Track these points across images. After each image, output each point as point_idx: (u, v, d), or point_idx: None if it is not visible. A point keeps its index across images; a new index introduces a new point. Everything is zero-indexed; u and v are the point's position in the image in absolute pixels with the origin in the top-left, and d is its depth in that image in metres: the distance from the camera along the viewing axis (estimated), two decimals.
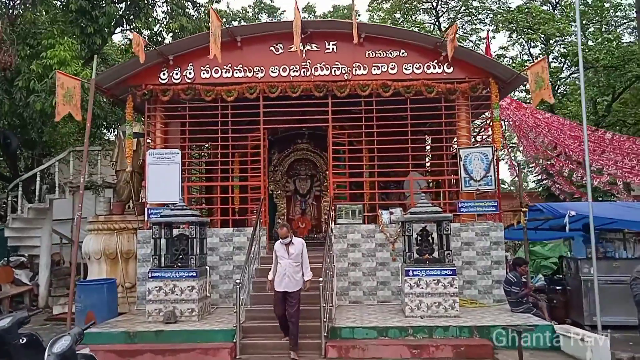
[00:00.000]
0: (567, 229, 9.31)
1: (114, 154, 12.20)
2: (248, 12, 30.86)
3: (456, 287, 8.50)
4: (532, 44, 21.39)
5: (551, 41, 21.53)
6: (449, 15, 23.73)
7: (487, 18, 22.90)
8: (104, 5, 12.67)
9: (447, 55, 10.03)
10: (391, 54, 10.38)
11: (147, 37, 14.64)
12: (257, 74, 10.47)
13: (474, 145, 10.68)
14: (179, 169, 10.44)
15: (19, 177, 13.17)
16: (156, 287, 8.74)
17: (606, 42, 18.78)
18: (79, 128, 16.82)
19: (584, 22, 21.95)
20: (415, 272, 8.53)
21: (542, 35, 19.61)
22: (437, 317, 8.32)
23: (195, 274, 8.73)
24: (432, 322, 8.07)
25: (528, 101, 15.21)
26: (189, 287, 8.71)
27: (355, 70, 10.40)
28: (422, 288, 8.49)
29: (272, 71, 10.46)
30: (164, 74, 10.56)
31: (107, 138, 20.84)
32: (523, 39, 21.02)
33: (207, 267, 9.29)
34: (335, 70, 10.42)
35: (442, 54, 10.17)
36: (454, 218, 9.42)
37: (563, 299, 10.59)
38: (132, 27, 14.17)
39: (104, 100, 13.33)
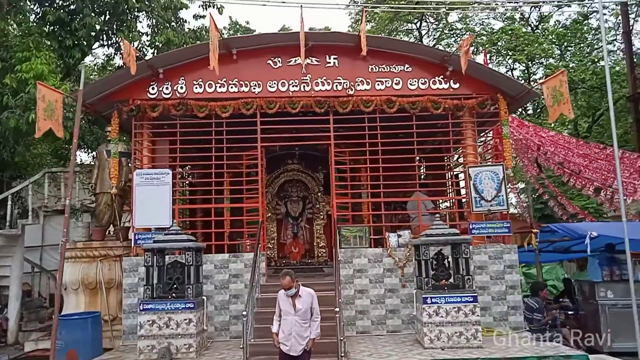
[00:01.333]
0: (589, 250, 8.86)
1: (93, 176, 11.29)
2: (223, 34, 30.30)
3: (478, 315, 7.90)
4: (514, 66, 21.47)
5: (530, 63, 21.69)
6: (431, 35, 23.71)
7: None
8: (83, 17, 11.86)
9: (454, 71, 9.69)
10: (395, 68, 9.91)
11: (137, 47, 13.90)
12: (254, 88, 9.84)
13: (481, 163, 10.23)
14: (170, 190, 9.63)
15: None
16: (149, 320, 7.86)
17: (589, 64, 18.93)
18: (54, 148, 15.88)
19: (564, 44, 22.25)
20: (434, 300, 7.90)
21: (527, 56, 19.65)
22: (459, 349, 7.68)
23: (192, 305, 7.90)
24: (456, 354, 7.42)
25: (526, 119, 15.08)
26: (185, 320, 7.86)
27: (358, 85, 9.87)
28: (442, 317, 7.86)
29: (270, 86, 9.84)
30: (152, 88, 9.82)
31: (79, 160, 19.88)
32: (506, 60, 21.05)
33: (203, 297, 8.47)
34: (337, 85, 9.87)
35: (449, 68, 9.77)
36: None
37: (576, 324, 10.11)
38: (112, 41, 13.37)
39: (82, 118, 12.45)
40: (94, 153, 14.84)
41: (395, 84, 9.87)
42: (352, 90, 9.82)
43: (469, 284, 8.00)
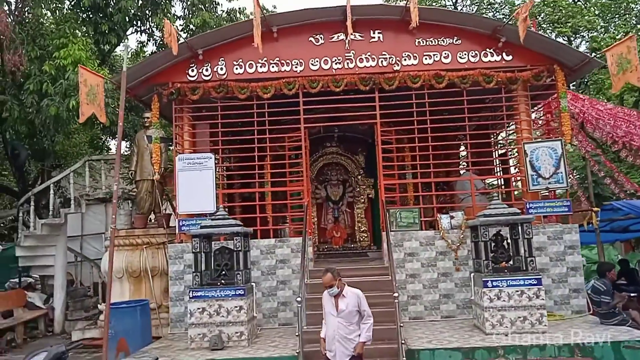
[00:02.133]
0: None
1: (132, 163, 11.14)
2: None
3: (543, 299, 7.45)
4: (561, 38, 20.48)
5: (574, 36, 20.71)
6: (468, 10, 22.83)
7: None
8: (118, 1, 11.64)
9: (507, 42, 9.15)
10: (444, 41, 9.40)
11: (163, 36, 13.65)
12: (296, 67, 9.47)
13: (537, 139, 9.68)
14: (213, 174, 9.39)
15: (31, 191, 12.07)
16: (199, 308, 7.65)
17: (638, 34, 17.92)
18: (90, 138, 15.88)
19: (608, 15, 21.19)
20: (495, 283, 7.48)
21: (571, 29, 18.74)
22: (524, 334, 7.23)
23: (242, 292, 7.66)
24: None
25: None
26: (236, 307, 7.63)
27: (405, 60, 9.41)
28: (504, 301, 7.43)
29: (312, 64, 9.46)
30: (192, 71, 9.55)
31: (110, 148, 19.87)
32: (548, 33, 20.11)
33: (252, 283, 8.23)
34: (382, 61, 9.42)
35: (501, 40, 9.22)
36: None
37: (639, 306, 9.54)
38: (146, 27, 13.15)
39: (118, 104, 12.31)
40: (130, 141, 14.81)
41: (444, 57, 9.37)
42: (398, 65, 9.37)
43: (532, 265, 7.54)
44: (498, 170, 11.40)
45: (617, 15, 21.04)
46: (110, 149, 20.44)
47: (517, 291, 7.44)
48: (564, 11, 18.87)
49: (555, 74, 9.19)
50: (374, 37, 9.48)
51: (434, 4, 22.31)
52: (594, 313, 8.43)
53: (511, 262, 7.83)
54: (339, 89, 9.39)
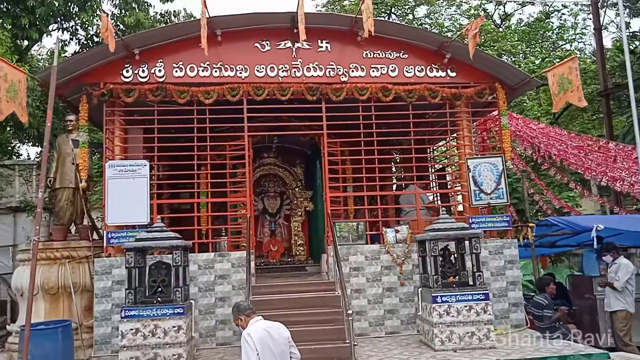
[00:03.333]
0: (595, 244, 8.62)
1: (52, 169, 10.15)
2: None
3: (490, 314, 7.47)
4: None
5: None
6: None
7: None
8: None
9: (451, 58, 9.27)
10: (391, 54, 9.37)
11: (91, 35, 12.73)
12: (240, 73, 9.05)
13: (479, 155, 9.86)
14: (147, 183, 8.72)
15: None
16: (132, 329, 6.96)
17: (556, 60, 19.14)
18: (0, 142, 14.41)
19: (527, 41, 22.50)
20: (444, 298, 7.41)
21: (496, 53, 19.67)
22: (473, 349, 7.22)
23: (182, 311, 7.06)
24: (471, 355, 6.96)
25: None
26: (174, 327, 7.01)
27: (352, 71, 9.27)
28: (453, 316, 7.38)
29: (257, 71, 9.07)
30: (127, 71, 8.86)
31: (26, 156, 18.26)
32: None
33: (191, 301, 7.65)
34: (329, 72, 9.22)
35: (446, 56, 9.33)
36: None
37: (571, 320, 9.89)
38: (71, 24, 12.17)
39: (37, 106, 11.25)
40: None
41: (391, 70, 9.33)
42: (346, 76, 9.22)
43: (480, 280, 7.57)
44: (434, 185, 11.56)
45: (535, 42, 22.39)
46: (21, 155, 18.82)
47: (466, 306, 7.42)
48: (489, 35, 19.80)
49: (497, 92, 9.43)
50: (321, 47, 9.27)
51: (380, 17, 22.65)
52: (532, 327, 8.60)
53: (457, 277, 7.82)
54: (285, 98, 9.08)
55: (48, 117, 6.35)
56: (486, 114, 10.41)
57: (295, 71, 9.14)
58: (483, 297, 7.45)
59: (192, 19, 8.78)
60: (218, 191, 9.70)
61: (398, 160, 12.16)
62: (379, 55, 9.35)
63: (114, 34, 7.68)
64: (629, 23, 21.30)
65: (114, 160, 8.95)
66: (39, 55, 17.13)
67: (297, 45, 9.13)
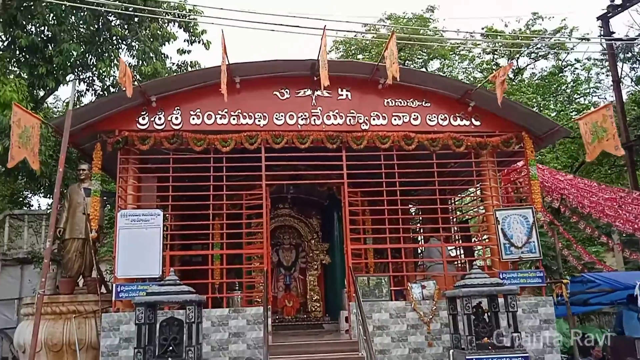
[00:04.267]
0: (639, 301, 8.01)
1: (62, 219, 9.83)
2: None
3: None
4: None
5: None
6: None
7: None
8: (60, 43, 10.67)
9: (475, 106, 9.01)
10: (413, 103, 9.14)
11: (107, 86, 12.70)
12: (259, 121, 8.82)
13: (508, 206, 9.42)
14: (161, 234, 8.32)
15: None
16: None
17: (573, 113, 18.96)
18: (12, 191, 14.23)
19: (543, 95, 22.41)
20: None
21: None
22: None
23: None
24: None
25: None
26: None
27: (373, 120, 9.02)
28: None
29: (276, 118, 8.85)
30: (143, 119, 8.66)
31: (37, 206, 18.02)
32: None
33: None
34: (350, 120, 8.97)
35: (470, 104, 9.07)
36: None
37: None
38: (87, 75, 12.17)
39: (50, 155, 11.05)
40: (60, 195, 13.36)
41: (414, 119, 9.08)
42: (367, 125, 8.95)
43: (518, 342, 6.95)
44: (456, 237, 11.05)
45: (549, 96, 22.29)
46: (32, 206, 18.60)
47: None
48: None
49: (524, 141, 9.10)
50: (341, 95, 9.07)
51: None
52: None
53: (492, 338, 7.21)
54: (304, 146, 8.79)
55: (60, 162, 6.08)
56: (511, 164, 10.04)
57: (315, 119, 8.90)
58: None
59: (211, 66, 8.56)
60: (233, 242, 9.26)
61: (417, 212, 11.73)
62: (401, 103, 9.12)
63: (132, 80, 7.49)
64: None
65: (126, 209, 8.59)
66: (55, 107, 17.20)
67: (317, 93, 8.95)
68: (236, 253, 9.33)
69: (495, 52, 23.81)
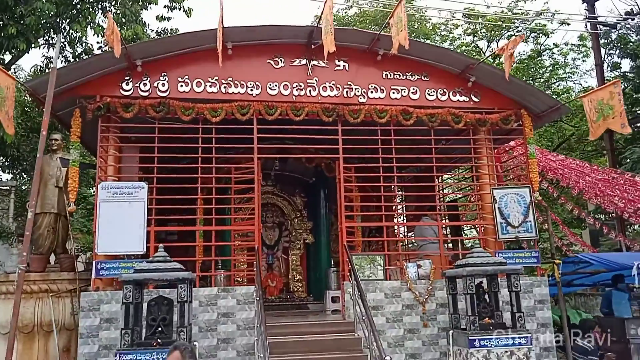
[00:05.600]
0: (637, 282, 7.97)
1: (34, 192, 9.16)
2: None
3: (534, 359, 6.68)
4: None
5: None
6: None
7: None
8: (32, 1, 9.83)
9: (476, 82, 8.74)
10: (412, 76, 8.80)
11: (79, 53, 11.91)
12: (251, 90, 8.33)
13: (502, 185, 9.24)
14: (145, 208, 7.80)
15: None
16: None
17: (554, 96, 19.01)
18: None
19: (522, 78, 22.45)
20: (483, 342, 6.62)
21: None
22: None
23: None
24: None
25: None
26: None
27: (371, 93, 8.64)
28: None
29: (270, 88, 8.37)
30: (127, 84, 8.04)
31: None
32: None
33: (195, 343, 6.66)
34: (347, 92, 8.57)
35: (470, 80, 8.80)
36: None
37: None
38: (63, 35, 11.32)
39: (21, 124, 10.31)
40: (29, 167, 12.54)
41: (412, 93, 8.75)
42: (364, 98, 8.57)
43: (521, 322, 6.80)
44: (447, 216, 10.86)
45: (528, 79, 22.35)
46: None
47: (507, 351, 6.66)
48: None
49: (523, 118, 8.89)
50: (338, 66, 8.64)
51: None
52: None
53: (494, 319, 7.05)
54: (299, 118, 8.36)
55: (43, 125, 5.52)
56: (505, 143, 9.86)
57: (310, 90, 8.47)
58: (525, 341, 6.70)
59: (201, 29, 8.00)
60: (219, 218, 8.79)
61: (410, 190, 11.47)
62: (400, 76, 8.77)
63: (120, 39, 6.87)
64: (620, 63, 21.41)
65: (107, 181, 8.01)
66: (20, 73, 16.18)
67: (312, 62, 8.52)
68: (223, 230, 8.86)
69: (476, 34, 23.64)
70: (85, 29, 10.73)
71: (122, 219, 7.70)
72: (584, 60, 25.01)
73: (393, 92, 8.69)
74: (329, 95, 8.50)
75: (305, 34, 8.29)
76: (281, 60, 8.48)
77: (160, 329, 6.35)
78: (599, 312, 12.43)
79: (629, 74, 20.78)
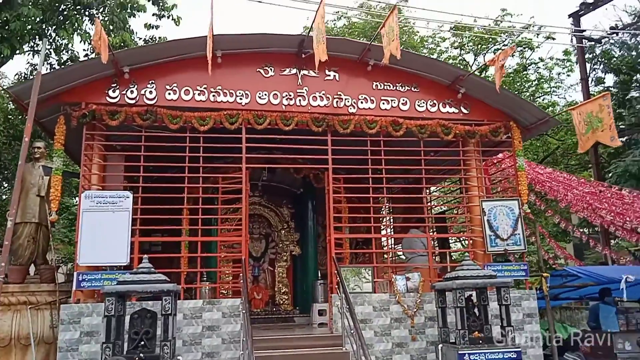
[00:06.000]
0: (625, 295, 7.95)
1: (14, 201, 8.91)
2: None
3: None
4: None
5: None
6: None
7: None
8: (18, 6, 9.66)
9: (465, 94, 8.74)
10: (402, 87, 8.78)
11: (67, 60, 11.73)
12: (241, 99, 8.23)
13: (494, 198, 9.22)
14: (130, 218, 7.62)
15: None
16: None
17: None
18: None
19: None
20: (472, 357, 6.51)
21: None
22: None
23: None
24: None
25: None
26: None
27: (361, 103, 8.59)
28: None
29: (259, 97, 8.28)
30: (113, 91, 7.89)
31: None
32: None
33: (180, 357, 6.47)
34: (337, 102, 8.52)
35: (460, 91, 8.79)
36: None
37: None
38: (49, 42, 11.14)
39: (1, 131, 10.09)
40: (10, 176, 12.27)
41: (402, 104, 8.72)
42: (354, 108, 8.51)
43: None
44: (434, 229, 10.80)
45: (514, 92, 22.55)
46: None
47: None
48: None
49: (512, 131, 8.90)
50: (328, 75, 8.59)
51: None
52: None
53: (482, 332, 6.96)
54: (288, 128, 8.27)
55: (26, 132, 5.34)
56: (493, 155, 9.87)
57: (300, 100, 8.40)
58: (515, 356, 6.59)
59: (190, 37, 7.91)
60: (204, 229, 8.63)
61: (397, 202, 11.43)
62: (389, 87, 8.74)
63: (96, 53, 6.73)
64: (603, 78, 21.71)
65: (90, 190, 7.82)
66: (3, 81, 15.94)
67: (303, 72, 8.45)
68: (209, 241, 8.70)
69: (463, 48, 23.86)
70: (71, 36, 10.56)
71: (105, 229, 7.52)
72: (568, 75, 25.31)
73: (383, 103, 8.65)
74: (318, 105, 8.43)
75: (295, 43, 8.24)
76: (271, 69, 8.41)
77: (143, 342, 6.15)
78: (585, 326, 12.45)
79: (612, 88, 21.10)
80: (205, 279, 8.98)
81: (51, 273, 8.63)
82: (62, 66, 12.25)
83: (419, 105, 8.74)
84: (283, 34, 8.23)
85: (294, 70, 8.42)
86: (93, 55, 11.44)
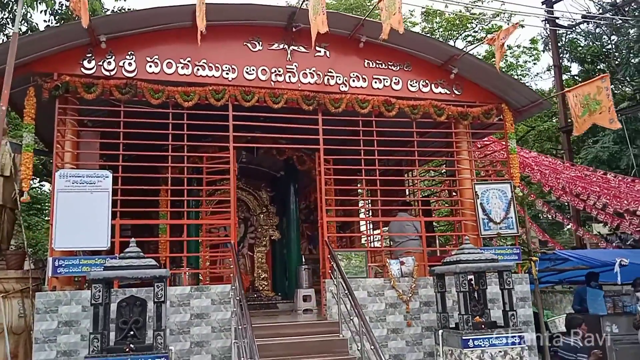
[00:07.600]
0: (619, 279, 7.97)
1: None
2: None
3: (527, 358, 6.49)
4: None
5: None
6: None
7: None
8: None
9: (458, 74, 8.53)
10: (394, 66, 8.47)
11: (26, 30, 10.88)
12: (227, 74, 7.73)
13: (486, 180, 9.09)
14: (109, 199, 7.06)
15: None
16: None
17: None
18: None
19: None
20: (476, 342, 6.34)
21: None
22: None
23: None
24: None
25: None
26: None
27: (353, 81, 8.25)
28: None
29: (247, 73, 7.81)
30: (89, 62, 7.25)
31: None
32: None
33: (170, 347, 6.03)
34: (328, 80, 8.14)
35: (453, 71, 8.57)
36: None
37: None
38: (7, 11, 10.27)
39: None
40: None
41: (395, 83, 8.41)
42: (345, 86, 8.16)
43: (514, 321, 6.58)
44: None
45: None
46: None
47: (500, 351, 6.41)
48: None
49: (504, 113, 8.76)
50: (319, 52, 8.18)
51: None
52: None
53: (485, 318, 6.82)
54: (277, 105, 7.84)
55: (3, 99, 4.70)
56: (483, 137, 9.74)
57: (290, 76, 7.97)
58: (519, 341, 6.47)
59: (174, 5, 7.35)
60: (184, 212, 8.13)
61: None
62: (382, 65, 8.42)
63: (75, 17, 6.10)
64: (569, 67, 22.13)
65: (64, 169, 7.20)
66: None
67: (292, 47, 8.02)
68: (191, 224, 8.24)
69: (433, 34, 23.80)
70: (34, 2, 9.71)
71: (83, 210, 6.94)
72: (534, 63, 25.77)
73: (375, 82, 8.32)
74: (309, 82, 8.03)
75: (285, 16, 7.79)
76: (259, 43, 7.94)
77: (132, 332, 5.67)
78: (560, 309, 12.65)
79: (577, 77, 21.53)
80: (183, 264, 8.54)
81: (19, 259, 7.98)
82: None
83: (411, 85, 8.47)
84: (272, 6, 7.78)
85: (283, 45, 7.98)
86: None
